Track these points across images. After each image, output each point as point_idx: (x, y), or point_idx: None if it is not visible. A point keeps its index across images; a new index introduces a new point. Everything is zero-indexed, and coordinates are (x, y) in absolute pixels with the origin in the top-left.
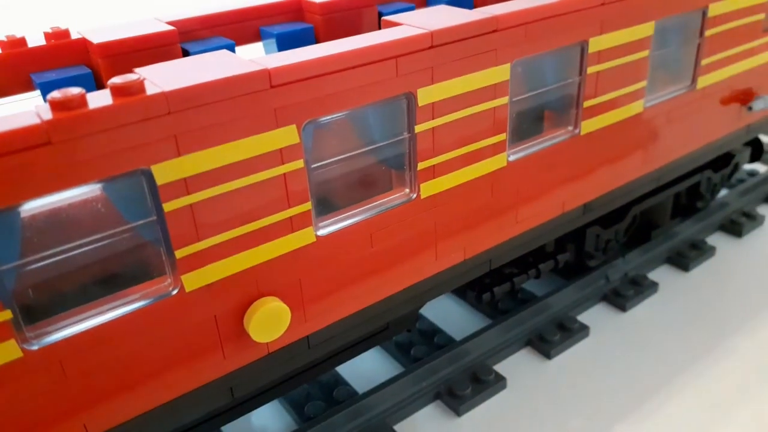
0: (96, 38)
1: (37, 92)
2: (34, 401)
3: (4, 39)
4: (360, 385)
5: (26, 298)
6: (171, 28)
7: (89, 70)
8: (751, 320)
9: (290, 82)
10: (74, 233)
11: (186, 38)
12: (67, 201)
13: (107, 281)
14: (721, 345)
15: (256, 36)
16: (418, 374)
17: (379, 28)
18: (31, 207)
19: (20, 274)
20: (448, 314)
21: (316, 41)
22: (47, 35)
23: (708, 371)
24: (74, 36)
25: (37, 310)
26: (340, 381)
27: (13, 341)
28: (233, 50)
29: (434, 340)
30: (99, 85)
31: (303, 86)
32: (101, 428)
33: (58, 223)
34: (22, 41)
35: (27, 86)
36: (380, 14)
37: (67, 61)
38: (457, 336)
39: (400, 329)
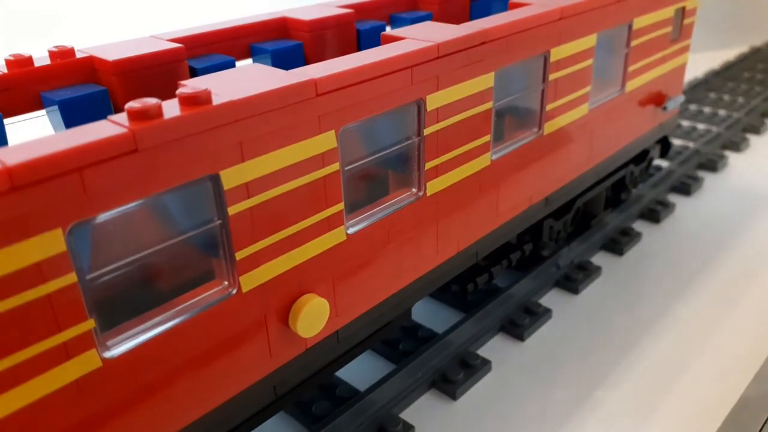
0: (107, 56)
1: (43, 111)
2: (109, 411)
3: (11, 58)
4: (358, 384)
5: (102, 306)
6: (177, 45)
7: (103, 87)
8: (682, 291)
9: (331, 90)
10: (141, 241)
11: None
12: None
13: (170, 286)
14: (663, 314)
15: (247, 53)
16: (411, 367)
17: (358, 44)
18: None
19: (98, 282)
20: (425, 312)
21: (305, 57)
22: (52, 54)
23: (656, 335)
24: (79, 55)
25: (110, 318)
26: (339, 382)
27: (94, 351)
28: (234, 66)
29: (418, 334)
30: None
31: (341, 94)
32: None
33: (126, 231)
34: (29, 60)
35: (35, 105)
36: (358, 31)
37: (75, 79)
38: (438, 329)
39: (400, 322)
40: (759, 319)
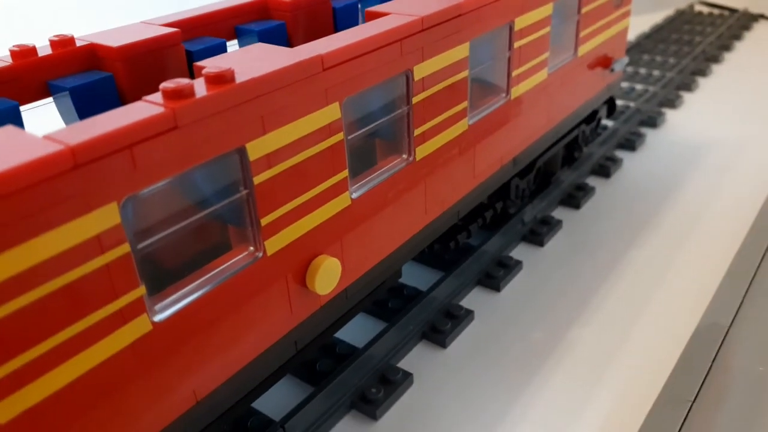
0: (110, 43)
1: (49, 99)
2: (156, 373)
3: (16, 48)
4: (356, 343)
5: (148, 273)
6: (174, 30)
7: (108, 73)
8: (636, 236)
9: (336, 64)
10: (179, 212)
11: None
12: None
13: (203, 254)
14: (620, 258)
15: (232, 34)
16: (403, 322)
17: (335, 21)
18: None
19: (145, 251)
20: (407, 273)
21: (288, 36)
22: (53, 43)
23: (617, 277)
24: (79, 43)
25: (156, 284)
26: (338, 341)
27: (145, 315)
28: (225, 48)
29: (404, 293)
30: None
31: (344, 68)
32: (203, 394)
33: (165, 204)
34: (33, 50)
35: (43, 93)
36: (334, 9)
37: (77, 67)
38: (422, 287)
39: (393, 281)
40: (705, 254)
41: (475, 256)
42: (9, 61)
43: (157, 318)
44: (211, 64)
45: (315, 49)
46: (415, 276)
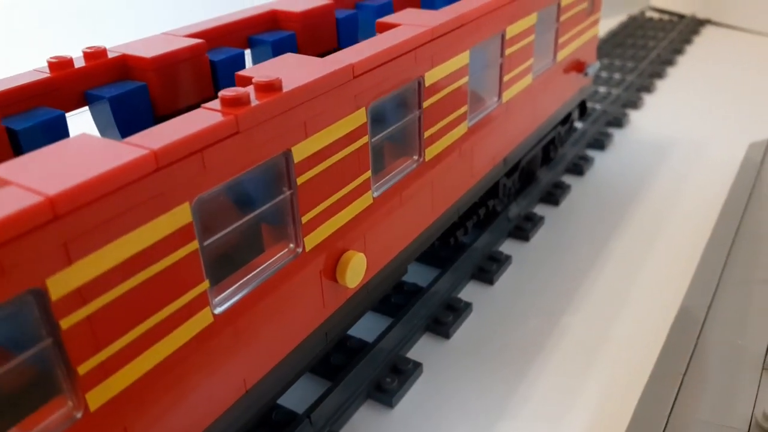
0: (142, 53)
1: (86, 108)
2: (215, 363)
3: (54, 60)
4: (365, 337)
5: (210, 269)
6: (199, 41)
7: (142, 83)
8: (613, 228)
9: (363, 72)
10: (234, 212)
11: None
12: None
13: (250, 250)
14: (601, 249)
15: (245, 44)
16: (408, 316)
17: (337, 31)
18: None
19: (209, 248)
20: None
21: (297, 46)
22: (86, 54)
23: (600, 266)
24: (111, 54)
25: (214, 279)
26: (348, 337)
27: (208, 308)
28: (244, 57)
29: (404, 288)
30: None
31: (370, 75)
32: (251, 384)
33: (222, 204)
34: (69, 62)
35: (80, 103)
36: (337, 20)
37: (110, 77)
38: (421, 283)
39: (400, 276)
40: (678, 242)
41: (468, 252)
42: (47, 72)
43: (217, 310)
44: (257, 74)
45: (345, 58)
46: (412, 273)
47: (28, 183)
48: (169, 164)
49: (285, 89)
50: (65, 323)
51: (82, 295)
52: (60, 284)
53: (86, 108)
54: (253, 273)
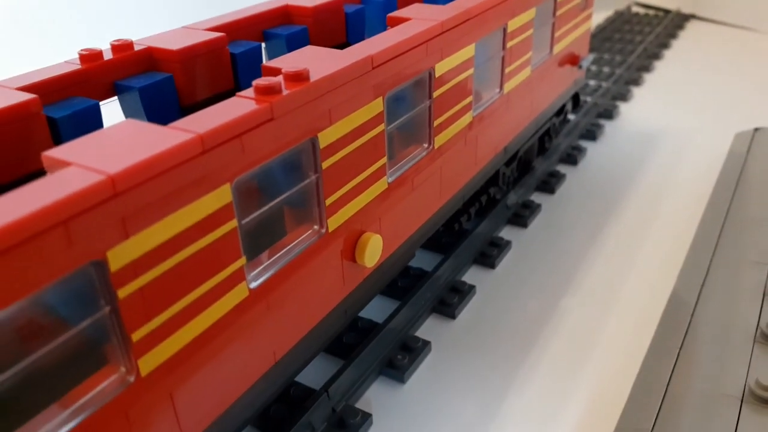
0: (168, 46)
1: (115, 98)
2: (249, 334)
3: (84, 53)
4: (375, 318)
5: (245, 246)
6: (220, 34)
7: (168, 74)
8: (607, 216)
9: (381, 63)
10: (266, 195)
11: None
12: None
13: (276, 229)
14: (596, 235)
15: (260, 38)
16: (415, 298)
17: (346, 26)
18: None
19: (246, 227)
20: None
21: (309, 39)
22: (114, 47)
23: (595, 251)
24: (137, 47)
25: (249, 255)
26: (358, 318)
27: (244, 283)
28: (261, 50)
29: (410, 272)
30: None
31: (387, 66)
32: (280, 356)
33: (255, 187)
34: (99, 54)
35: (109, 93)
36: (346, 14)
37: (137, 68)
38: (427, 268)
39: (408, 260)
40: (670, 227)
41: (470, 238)
42: (78, 64)
43: (252, 285)
44: (284, 65)
45: (364, 50)
46: (417, 258)
47: (88, 163)
48: (213, 147)
49: (312, 79)
50: (122, 293)
51: (136, 267)
52: (118, 257)
53: (114, 98)
54: (282, 252)
